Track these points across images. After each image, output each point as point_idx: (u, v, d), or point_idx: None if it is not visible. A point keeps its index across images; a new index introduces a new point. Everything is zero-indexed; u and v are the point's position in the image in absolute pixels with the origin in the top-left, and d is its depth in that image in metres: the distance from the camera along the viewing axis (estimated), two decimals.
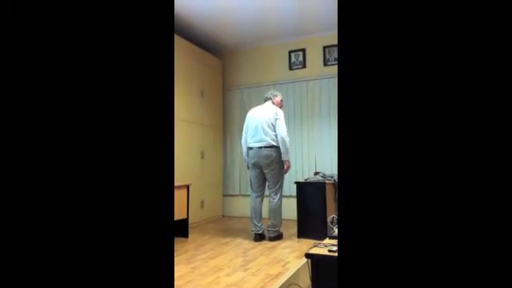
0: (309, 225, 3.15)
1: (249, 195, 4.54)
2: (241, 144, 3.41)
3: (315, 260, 1.53)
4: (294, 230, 3.41)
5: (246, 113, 4.57)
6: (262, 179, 3.15)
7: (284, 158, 3.08)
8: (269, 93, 3.36)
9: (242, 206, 4.58)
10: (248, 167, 3.25)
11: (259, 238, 3.08)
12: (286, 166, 3.13)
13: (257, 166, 3.10)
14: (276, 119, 3.09)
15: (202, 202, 4.11)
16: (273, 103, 3.27)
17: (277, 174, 3.10)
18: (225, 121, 4.74)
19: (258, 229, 3.09)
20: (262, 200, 3.18)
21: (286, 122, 4.33)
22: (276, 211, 3.11)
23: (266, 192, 3.21)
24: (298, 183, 3.29)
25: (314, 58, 4.31)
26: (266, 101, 3.30)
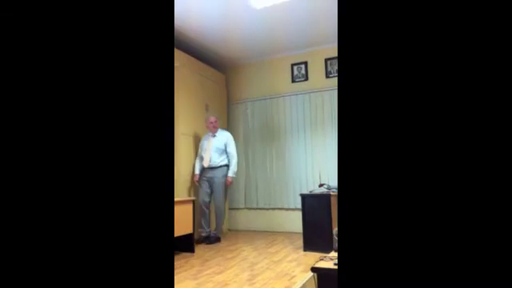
0: (314, 237, 3.14)
1: (254, 208, 4.56)
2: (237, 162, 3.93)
3: (321, 274, 1.52)
4: (300, 242, 3.40)
5: (250, 126, 4.62)
6: None
7: None
8: None
9: (248, 219, 4.57)
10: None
11: None
12: None
13: None
14: None
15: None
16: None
17: None
18: None
19: None
20: None
21: (290, 133, 4.38)
22: None
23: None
24: (302, 195, 3.29)
25: (316, 70, 4.35)
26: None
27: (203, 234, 3.70)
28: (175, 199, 3.23)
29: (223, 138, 3.81)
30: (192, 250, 3.26)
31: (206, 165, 3.68)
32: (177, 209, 3.11)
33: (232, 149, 3.82)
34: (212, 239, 3.71)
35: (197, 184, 3.77)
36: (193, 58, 4.06)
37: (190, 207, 3.28)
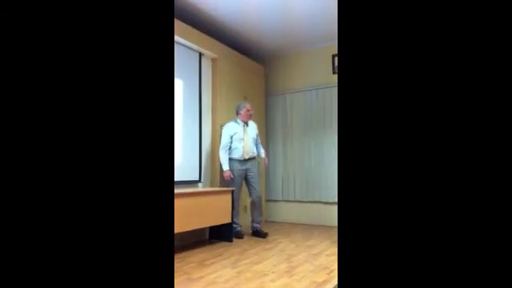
0: None
1: (292, 201, 4.55)
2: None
3: None
4: None
5: (289, 118, 4.59)
6: None
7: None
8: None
9: (285, 211, 4.56)
10: None
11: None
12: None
13: None
14: None
15: (245, 207, 4.14)
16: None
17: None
18: (267, 126, 4.77)
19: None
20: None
21: (330, 125, 4.28)
22: None
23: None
24: None
25: None
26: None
27: (239, 229, 3.52)
28: (214, 189, 3.30)
29: (254, 127, 3.65)
30: (230, 240, 3.31)
31: (246, 156, 3.49)
32: (216, 199, 3.17)
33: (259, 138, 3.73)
34: (262, 233, 3.54)
35: (229, 180, 3.46)
36: (231, 50, 4.08)
37: (228, 197, 3.33)
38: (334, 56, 4.36)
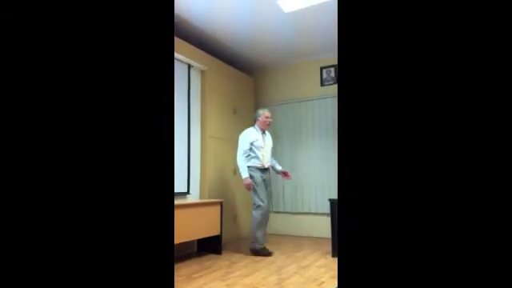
0: None
1: (281, 212, 4.53)
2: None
3: None
4: (328, 248, 3.34)
5: (278, 130, 4.61)
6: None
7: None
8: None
9: (274, 222, 4.54)
10: None
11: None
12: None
13: None
14: None
15: (235, 219, 4.11)
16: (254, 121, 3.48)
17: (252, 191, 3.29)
18: None
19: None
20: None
21: (319, 137, 4.32)
22: (252, 224, 3.29)
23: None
24: (331, 201, 3.23)
25: None
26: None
27: (259, 247, 3.22)
28: (203, 201, 3.27)
29: (270, 138, 3.49)
30: (219, 252, 3.27)
31: (266, 165, 3.31)
32: (204, 210, 3.14)
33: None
34: (266, 252, 3.21)
35: (250, 188, 3.24)
36: (221, 62, 4.10)
37: (217, 209, 3.30)
38: (322, 69, 4.43)
